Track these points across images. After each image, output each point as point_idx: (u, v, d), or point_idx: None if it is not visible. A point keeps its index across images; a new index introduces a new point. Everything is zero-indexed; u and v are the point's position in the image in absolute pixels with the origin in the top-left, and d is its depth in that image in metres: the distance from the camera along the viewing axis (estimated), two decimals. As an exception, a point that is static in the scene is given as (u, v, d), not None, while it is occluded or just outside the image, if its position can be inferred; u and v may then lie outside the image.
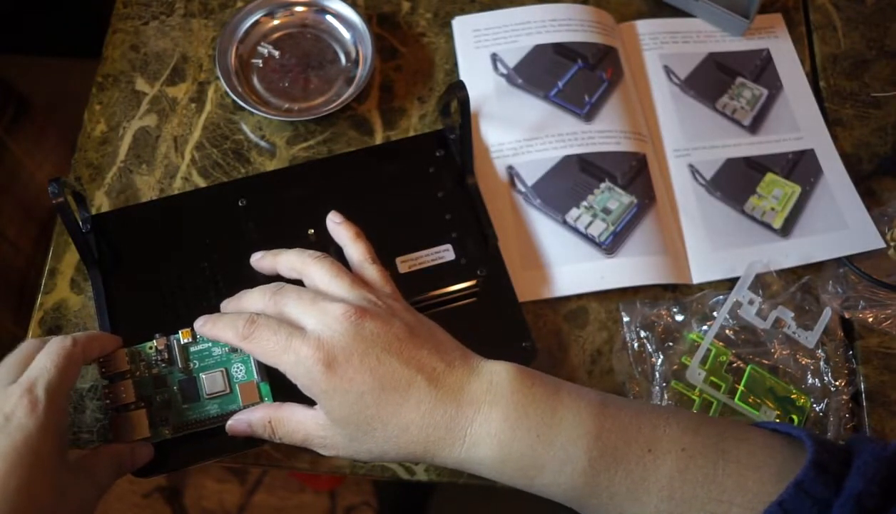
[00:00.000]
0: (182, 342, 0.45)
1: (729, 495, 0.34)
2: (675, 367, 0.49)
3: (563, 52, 0.59)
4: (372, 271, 0.44)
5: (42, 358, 0.39)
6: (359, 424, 0.38)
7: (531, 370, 0.39)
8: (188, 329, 0.45)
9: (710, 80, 0.60)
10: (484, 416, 0.37)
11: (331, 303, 0.39)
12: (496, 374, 0.38)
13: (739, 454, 0.35)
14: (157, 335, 0.45)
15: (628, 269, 0.52)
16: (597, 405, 0.37)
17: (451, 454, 0.37)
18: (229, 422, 0.43)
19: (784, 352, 0.50)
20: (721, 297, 0.51)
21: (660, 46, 0.61)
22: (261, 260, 0.46)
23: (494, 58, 0.59)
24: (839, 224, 0.55)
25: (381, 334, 0.38)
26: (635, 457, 0.36)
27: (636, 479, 0.35)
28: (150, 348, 0.45)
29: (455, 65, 0.59)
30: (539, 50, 0.59)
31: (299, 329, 0.39)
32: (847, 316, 0.52)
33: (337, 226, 0.46)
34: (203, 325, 0.42)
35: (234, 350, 0.45)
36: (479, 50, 0.59)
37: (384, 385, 0.37)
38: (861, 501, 0.31)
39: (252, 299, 0.42)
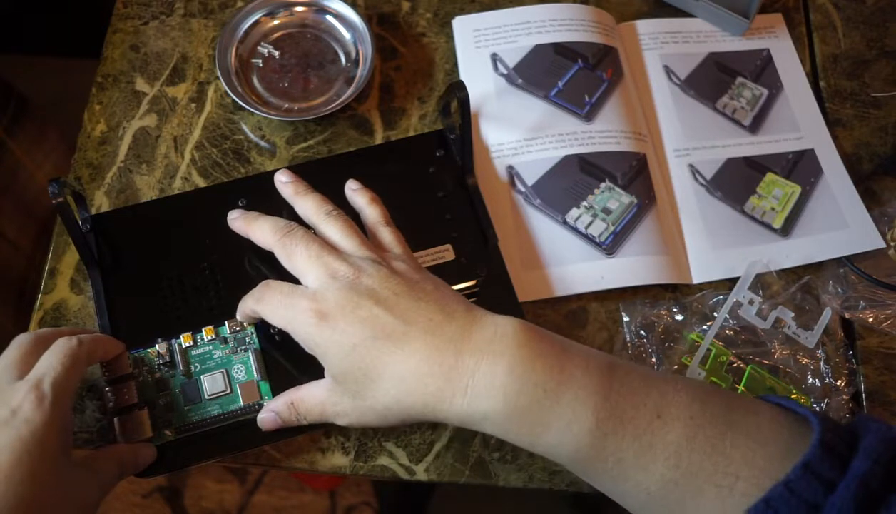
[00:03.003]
0: (183, 346, 0.45)
1: (735, 467, 0.34)
2: (676, 367, 0.49)
3: (563, 52, 0.59)
4: (385, 233, 0.44)
5: (49, 356, 0.39)
6: (357, 378, 0.38)
7: (537, 327, 0.38)
8: (189, 333, 0.46)
9: (711, 80, 0.60)
10: (487, 367, 0.36)
11: (335, 259, 0.40)
12: (501, 326, 0.37)
13: (748, 427, 0.35)
14: (158, 340, 0.45)
15: (628, 269, 0.52)
16: (606, 367, 0.37)
17: (453, 408, 0.36)
18: (260, 417, 0.43)
19: (784, 352, 0.50)
20: (721, 297, 0.51)
21: (660, 46, 0.61)
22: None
23: (494, 58, 0.59)
24: (839, 224, 0.55)
25: (376, 289, 0.38)
26: (644, 422, 0.35)
27: (644, 445, 0.35)
28: (153, 353, 0.45)
29: (455, 65, 0.59)
30: (539, 50, 0.59)
31: (301, 286, 0.40)
32: (847, 316, 0.52)
33: (354, 193, 0.47)
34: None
35: (233, 352, 0.46)
36: (479, 50, 0.59)
37: (376, 335, 0.37)
38: (866, 481, 0.31)
39: (261, 230, 0.43)
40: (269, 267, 0.47)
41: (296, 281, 0.41)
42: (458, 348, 0.37)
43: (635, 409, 0.35)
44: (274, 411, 0.43)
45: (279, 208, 0.51)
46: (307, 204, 0.45)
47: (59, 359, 0.39)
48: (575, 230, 0.53)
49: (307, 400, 0.41)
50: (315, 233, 0.43)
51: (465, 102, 0.49)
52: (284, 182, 0.47)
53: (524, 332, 0.37)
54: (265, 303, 0.41)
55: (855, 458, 0.32)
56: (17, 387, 0.38)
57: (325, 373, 0.41)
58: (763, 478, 0.33)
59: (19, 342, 0.41)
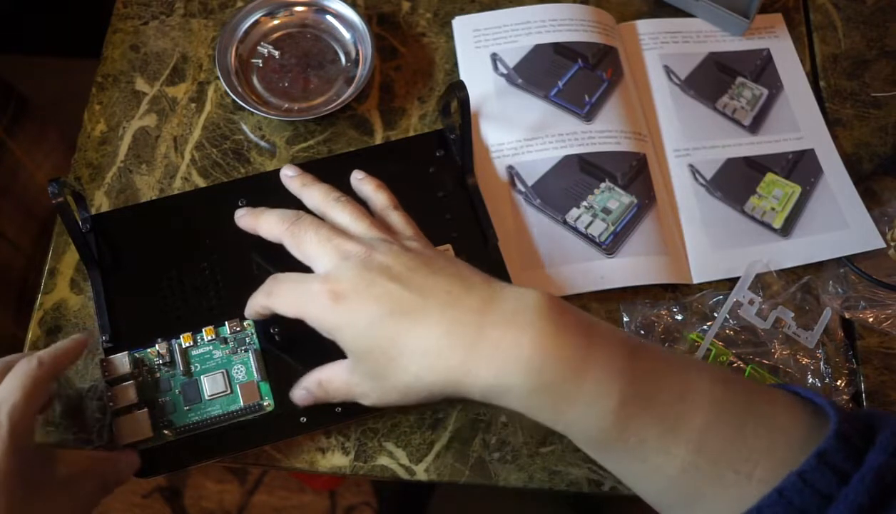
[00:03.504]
0: (183, 346, 0.45)
1: (756, 455, 0.33)
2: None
3: (563, 52, 0.59)
4: (395, 217, 0.44)
5: (7, 382, 0.38)
6: (376, 357, 0.37)
7: (559, 299, 0.37)
8: (189, 333, 0.46)
9: (711, 80, 0.60)
10: (512, 340, 0.35)
11: (345, 240, 0.39)
12: (524, 297, 0.36)
13: (767, 414, 0.34)
14: (158, 340, 0.45)
15: (628, 269, 0.52)
16: (631, 346, 0.36)
17: (477, 382, 0.35)
18: (295, 394, 0.43)
19: (784, 352, 0.50)
20: (721, 297, 0.51)
21: (660, 46, 0.61)
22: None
23: (494, 58, 0.59)
24: (839, 224, 0.55)
25: (389, 265, 0.38)
26: (668, 404, 0.34)
27: (667, 427, 0.34)
28: (153, 353, 0.45)
29: (455, 65, 0.59)
30: (539, 50, 0.59)
31: (311, 273, 0.39)
32: (847, 316, 0.52)
33: (360, 182, 0.47)
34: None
35: (234, 352, 0.46)
36: (479, 50, 0.59)
37: (392, 311, 0.36)
38: (882, 474, 0.31)
39: (269, 223, 0.43)
40: (274, 264, 0.47)
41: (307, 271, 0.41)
42: (480, 321, 0.35)
43: (660, 391, 0.35)
44: (306, 388, 0.42)
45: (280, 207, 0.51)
46: (314, 193, 0.44)
47: (19, 382, 0.38)
48: (575, 230, 0.53)
49: (334, 380, 0.41)
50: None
51: (465, 101, 0.48)
52: (290, 176, 0.46)
53: (548, 303, 0.36)
54: (276, 295, 0.40)
55: (871, 450, 0.32)
56: None
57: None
58: (780, 466, 0.33)
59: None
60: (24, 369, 0.39)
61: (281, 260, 0.42)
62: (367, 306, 0.37)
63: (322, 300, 0.37)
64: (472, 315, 0.36)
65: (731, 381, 0.36)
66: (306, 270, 0.41)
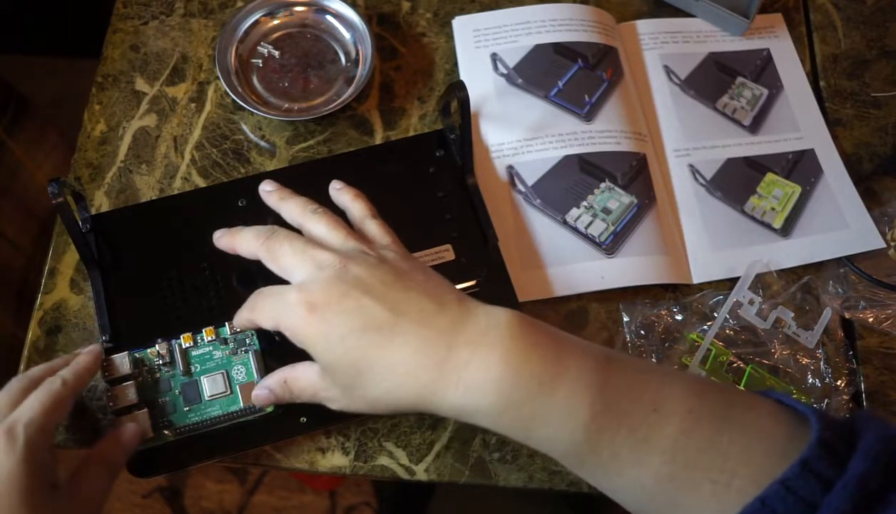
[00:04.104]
0: (184, 346, 0.45)
1: (732, 464, 0.33)
2: (676, 367, 0.49)
3: (563, 52, 0.59)
4: (372, 226, 0.44)
5: (31, 399, 0.40)
6: (346, 369, 0.37)
7: (530, 317, 0.37)
8: (189, 334, 0.46)
9: (711, 80, 0.60)
10: (481, 359, 0.35)
11: (320, 251, 0.39)
12: (494, 317, 0.37)
13: (746, 423, 0.34)
14: (158, 340, 0.45)
15: (628, 269, 0.52)
16: (602, 359, 0.36)
17: (445, 400, 0.36)
18: (254, 393, 0.43)
19: (784, 352, 0.50)
20: (721, 297, 0.51)
21: (660, 46, 0.61)
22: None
23: (494, 58, 0.59)
24: (839, 224, 0.55)
25: (363, 278, 0.38)
26: (640, 415, 0.34)
27: (640, 438, 0.34)
28: (153, 353, 0.45)
29: (455, 65, 0.59)
30: (539, 50, 0.59)
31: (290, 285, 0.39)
32: (847, 316, 0.52)
33: (338, 192, 0.47)
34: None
35: (234, 353, 0.46)
36: (479, 50, 0.59)
37: (366, 326, 0.36)
38: (864, 481, 0.31)
39: (245, 240, 0.43)
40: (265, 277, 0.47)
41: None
42: (451, 341, 0.36)
43: (632, 403, 0.35)
44: (268, 387, 0.42)
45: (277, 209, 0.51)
46: (291, 206, 0.44)
47: (40, 400, 0.40)
48: (575, 230, 0.53)
49: (301, 380, 0.41)
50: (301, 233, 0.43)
51: (465, 101, 0.48)
52: (268, 192, 0.46)
53: (518, 322, 0.36)
54: (258, 309, 0.40)
55: (853, 457, 0.32)
56: None
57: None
58: (760, 475, 0.33)
59: (9, 387, 0.42)
60: (48, 388, 0.40)
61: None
62: (339, 318, 0.37)
63: (297, 311, 0.38)
64: (443, 335, 0.36)
65: (708, 390, 0.36)
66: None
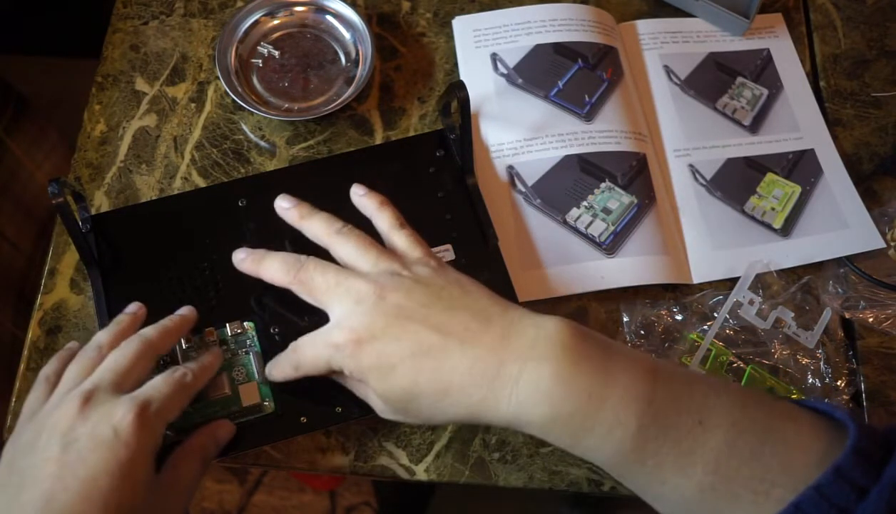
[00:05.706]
0: (184, 347, 0.45)
1: (773, 474, 0.34)
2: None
3: (563, 51, 0.59)
4: (400, 238, 0.43)
5: (160, 382, 0.40)
6: (400, 395, 0.38)
7: (580, 325, 0.38)
8: (190, 334, 0.46)
9: (711, 80, 0.60)
10: (532, 372, 0.36)
11: (354, 281, 0.39)
12: (542, 328, 0.37)
13: (787, 434, 0.35)
14: None
15: (628, 269, 0.52)
16: (650, 370, 0.36)
17: (498, 414, 0.36)
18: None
19: (784, 352, 0.50)
20: (721, 297, 0.51)
21: (660, 46, 0.61)
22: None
23: (494, 58, 0.59)
24: (839, 224, 0.55)
25: (403, 305, 0.38)
26: (686, 427, 0.35)
27: (684, 450, 0.35)
28: None
29: (455, 65, 0.59)
30: (539, 50, 0.59)
31: (326, 326, 0.40)
32: (847, 316, 0.52)
33: (361, 198, 0.46)
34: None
35: (234, 354, 0.46)
36: (479, 50, 0.59)
37: (414, 352, 0.37)
38: None
39: (272, 270, 0.42)
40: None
41: (315, 310, 0.41)
42: (500, 357, 0.36)
43: (678, 414, 0.35)
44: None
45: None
46: (315, 225, 0.44)
47: (171, 386, 0.39)
48: (575, 230, 0.53)
49: (370, 399, 0.41)
50: (328, 253, 0.43)
51: (465, 101, 0.48)
52: (286, 208, 0.45)
53: (567, 332, 0.36)
54: (303, 362, 0.41)
55: (889, 465, 0.32)
56: (121, 403, 0.37)
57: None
58: (799, 484, 0.33)
59: (98, 342, 0.41)
60: (178, 375, 0.40)
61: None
62: (389, 348, 0.37)
63: (346, 351, 0.38)
64: (492, 352, 0.36)
65: (750, 401, 0.36)
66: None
